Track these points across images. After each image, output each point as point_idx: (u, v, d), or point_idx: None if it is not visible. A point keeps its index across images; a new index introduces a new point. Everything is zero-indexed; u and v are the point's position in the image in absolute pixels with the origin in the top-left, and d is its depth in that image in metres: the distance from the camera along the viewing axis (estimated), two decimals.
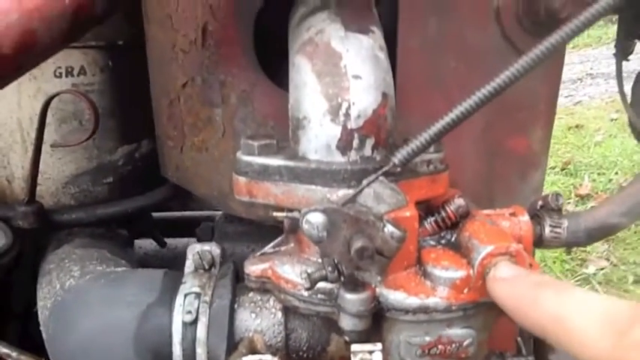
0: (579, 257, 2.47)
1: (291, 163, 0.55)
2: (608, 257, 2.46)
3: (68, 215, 0.85)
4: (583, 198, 2.99)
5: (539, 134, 0.72)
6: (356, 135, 0.54)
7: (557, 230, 0.62)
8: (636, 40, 0.93)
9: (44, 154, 0.81)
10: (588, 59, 6.57)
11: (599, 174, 3.27)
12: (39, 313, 0.71)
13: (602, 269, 2.36)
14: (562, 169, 3.40)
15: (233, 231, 0.84)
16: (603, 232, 0.64)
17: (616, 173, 3.23)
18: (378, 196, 0.50)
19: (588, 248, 2.51)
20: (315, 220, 0.46)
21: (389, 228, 0.48)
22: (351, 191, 0.52)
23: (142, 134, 0.91)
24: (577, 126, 4.21)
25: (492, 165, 0.71)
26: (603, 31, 7.42)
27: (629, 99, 0.85)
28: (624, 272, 2.34)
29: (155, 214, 1.13)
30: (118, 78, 0.86)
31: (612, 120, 4.25)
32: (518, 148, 0.71)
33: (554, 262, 2.37)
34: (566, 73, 5.85)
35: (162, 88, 0.79)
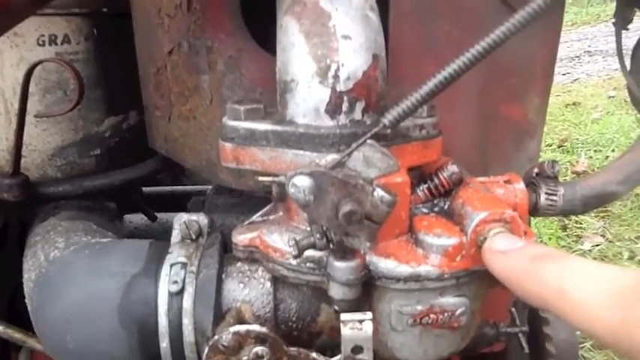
0: (575, 234, 2.47)
1: (278, 128, 0.53)
2: (603, 234, 2.46)
3: (54, 188, 0.83)
4: (579, 175, 2.98)
5: (536, 102, 0.70)
6: (345, 98, 0.52)
7: (553, 198, 0.60)
8: (636, 9, 0.91)
9: (29, 125, 0.79)
10: (586, 37, 6.52)
11: (595, 151, 3.26)
12: (24, 285, 0.69)
13: (597, 245, 2.36)
14: (559, 147, 3.39)
15: (223, 203, 0.82)
16: (600, 200, 0.62)
17: (613, 151, 3.22)
18: (368, 160, 0.49)
19: (584, 224, 2.51)
20: (301, 183, 0.45)
21: (378, 192, 0.46)
22: (340, 156, 0.50)
23: (129, 105, 0.88)
24: (574, 103, 4.19)
25: (487, 132, 0.70)
26: (602, 8, 7.37)
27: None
28: (619, 248, 2.34)
29: (146, 189, 1.11)
30: (103, 47, 0.84)
31: (610, 97, 4.23)
32: (514, 115, 0.70)
33: (550, 239, 2.37)
34: (564, 50, 5.81)
35: (149, 56, 0.77)
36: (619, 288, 0.35)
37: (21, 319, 0.80)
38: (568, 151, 3.31)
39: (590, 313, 0.35)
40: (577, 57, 5.76)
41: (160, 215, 1.05)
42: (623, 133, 3.40)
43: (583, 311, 0.35)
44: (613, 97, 4.21)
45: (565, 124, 3.75)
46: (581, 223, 2.51)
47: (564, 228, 2.48)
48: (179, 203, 1.11)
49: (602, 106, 4.07)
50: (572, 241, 2.41)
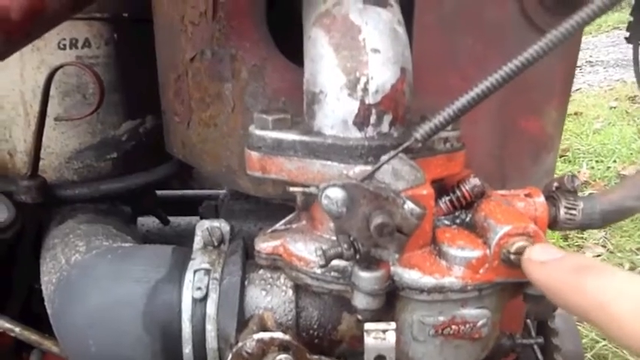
0: (576, 244, 2.48)
1: (306, 138, 0.54)
2: (604, 244, 2.47)
3: (71, 190, 0.83)
4: (581, 185, 2.99)
5: (554, 116, 0.71)
6: (374, 110, 0.53)
7: (573, 212, 0.61)
8: None
9: (47, 127, 0.80)
10: (588, 47, 6.53)
11: (597, 161, 3.28)
12: (43, 288, 0.70)
13: (598, 256, 2.37)
14: (560, 157, 3.40)
15: (240, 209, 0.82)
16: (618, 215, 0.63)
17: (614, 161, 3.23)
18: (397, 173, 0.49)
19: (585, 235, 2.51)
20: (334, 195, 0.45)
21: (408, 205, 0.47)
22: (368, 167, 0.51)
23: (146, 109, 0.89)
24: (576, 113, 4.20)
25: (505, 145, 0.70)
26: (603, 19, 7.38)
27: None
28: (620, 259, 2.35)
29: (158, 192, 1.12)
30: (123, 51, 0.85)
31: (611, 108, 4.25)
32: (532, 128, 0.70)
33: None
34: None
35: (170, 62, 0.77)
36: None
37: (35, 320, 0.80)
38: (570, 161, 3.32)
39: (629, 331, 0.36)
40: (578, 67, 5.77)
41: (172, 219, 1.06)
42: (625, 144, 3.42)
43: (622, 328, 0.37)
44: (614, 107, 4.23)
45: (567, 134, 3.76)
46: (582, 234, 2.52)
47: (565, 238, 2.49)
48: (189, 207, 1.12)
49: (603, 116, 4.09)
50: (574, 251, 2.42)
